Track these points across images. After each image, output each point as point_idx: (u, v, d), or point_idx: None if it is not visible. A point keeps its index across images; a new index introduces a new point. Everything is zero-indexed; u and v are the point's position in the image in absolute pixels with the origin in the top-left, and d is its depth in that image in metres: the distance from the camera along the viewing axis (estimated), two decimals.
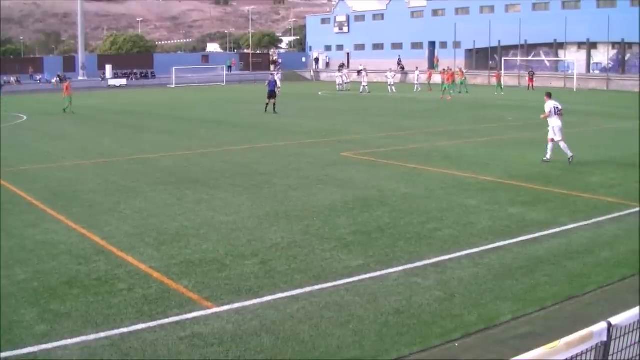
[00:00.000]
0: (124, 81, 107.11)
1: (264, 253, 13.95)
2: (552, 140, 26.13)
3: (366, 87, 75.43)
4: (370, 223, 16.55)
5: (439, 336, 9.96)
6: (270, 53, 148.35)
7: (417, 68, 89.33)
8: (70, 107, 52.10)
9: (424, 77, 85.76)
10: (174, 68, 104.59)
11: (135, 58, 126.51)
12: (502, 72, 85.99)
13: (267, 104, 49.73)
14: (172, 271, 12.80)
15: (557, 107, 26.28)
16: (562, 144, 25.87)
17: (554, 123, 26.11)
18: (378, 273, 12.65)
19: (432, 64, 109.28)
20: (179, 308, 10.95)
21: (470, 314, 10.75)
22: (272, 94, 49.95)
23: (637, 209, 18.11)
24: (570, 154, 25.58)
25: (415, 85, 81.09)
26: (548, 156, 26.13)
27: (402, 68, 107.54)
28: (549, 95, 27.19)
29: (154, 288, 11.90)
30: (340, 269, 12.87)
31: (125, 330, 10.11)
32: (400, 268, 12.94)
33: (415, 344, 9.68)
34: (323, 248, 14.32)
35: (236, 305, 11.07)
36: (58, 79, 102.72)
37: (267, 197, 19.76)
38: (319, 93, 74.99)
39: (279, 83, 73.16)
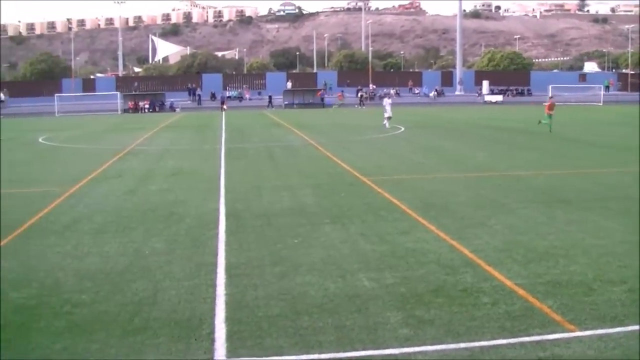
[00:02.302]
0: (500, 97, 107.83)
1: (634, 280, 13.42)
2: None
3: None
4: None
5: None
6: None
7: None
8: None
9: None
10: (550, 86, 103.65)
11: (511, 75, 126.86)
12: None
13: None
14: (538, 290, 12.77)
15: None
16: None
17: None
18: None
19: None
20: (541, 328, 10.90)
21: None
22: None
23: None
24: None
25: None
26: None
27: None
28: None
29: (517, 305, 11.97)
30: None
31: (485, 343, 10.28)
32: None
33: None
34: None
35: (600, 331, 10.80)
36: (435, 92, 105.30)
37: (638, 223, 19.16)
38: None
39: None
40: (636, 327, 10.97)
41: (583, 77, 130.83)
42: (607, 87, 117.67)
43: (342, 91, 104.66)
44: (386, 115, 56.65)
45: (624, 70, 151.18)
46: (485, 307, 11.80)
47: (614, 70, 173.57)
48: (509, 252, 15.58)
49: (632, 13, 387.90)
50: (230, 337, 10.59)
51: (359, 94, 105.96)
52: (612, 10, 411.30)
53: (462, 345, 10.20)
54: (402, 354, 9.93)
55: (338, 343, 10.30)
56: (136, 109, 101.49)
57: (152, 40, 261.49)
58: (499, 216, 19.66)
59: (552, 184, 25.89)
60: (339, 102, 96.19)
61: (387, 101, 58.52)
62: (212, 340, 10.46)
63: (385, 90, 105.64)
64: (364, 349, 10.05)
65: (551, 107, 50.94)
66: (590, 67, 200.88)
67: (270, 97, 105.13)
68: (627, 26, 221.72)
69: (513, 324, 11.06)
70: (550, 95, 60.71)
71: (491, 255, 15.27)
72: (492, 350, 10.07)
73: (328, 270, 14.12)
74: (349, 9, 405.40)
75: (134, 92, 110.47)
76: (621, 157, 34.90)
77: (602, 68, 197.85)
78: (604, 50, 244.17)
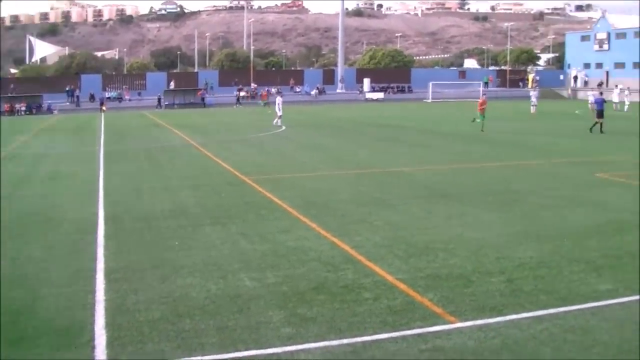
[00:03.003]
0: (381, 95, 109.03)
1: (511, 271, 13.81)
2: None
3: (619, 106, 73.42)
4: (622, 247, 15.95)
5: None
6: (528, 70, 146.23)
7: (628, 88, 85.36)
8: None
9: None
10: (430, 83, 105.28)
11: (392, 72, 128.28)
12: None
13: (595, 124, 47.60)
14: (419, 284, 12.94)
15: None
16: None
17: None
18: (626, 299, 12.17)
19: None
20: (422, 320, 11.05)
21: None
22: (600, 114, 47.53)
23: None
24: None
25: None
26: None
27: None
28: None
29: (399, 299, 12.09)
30: (587, 293, 12.53)
31: (367, 338, 10.33)
32: None
33: None
34: (571, 270, 13.98)
35: (479, 321, 11.02)
36: (317, 91, 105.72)
37: (517, 215, 19.55)
38: (576, 112, 73.20)
39: (535, 100, 72.37)
40: (515, 316, 11.26)
41: (463, 74, 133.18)
42: (486, 84, 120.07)
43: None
44: (279, 113, 56.46)
45: (502, 67, 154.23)
46: (367, 303, 11.87)
47: (493, 66, 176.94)
48: (390, 247, 15.74)
49: (512, 11, 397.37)
50: (110, 343, 10.35)
51: (236, 93, 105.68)
52: (492, 8, 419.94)
53: (345, 341, 10.23)
54: (285, 352, 9.89)
55: (220, 344, 10.19)
56: (12, 112, 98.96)
57: (29, 41, 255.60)
58: (380, 212, 19.85)
59: (433, 179, 26.32)
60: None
61: (279, 100, 58.35)
62: (93, 348, 10.20)
63: (267, 89, 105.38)
64: (246, 349, 9.97)
65: (482, 105, 50.58)
66: (470, 63, 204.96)
67: (159, 97, 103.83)
68: (506, 24, 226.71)
69: (395, 318, 11.16)
70: (482, 93, 60.82)
71: (372, 251, 15.39)
72: (374, 345, 10.12)
73: (209, 271, 13.99)
74: (231, 8, 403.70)
75: (10, 95, 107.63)
76: (502, 152, 35.67)
77: (482, 65, 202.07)
78: (484, 47, 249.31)
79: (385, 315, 11.27)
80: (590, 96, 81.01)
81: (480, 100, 52.38)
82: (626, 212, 20.03)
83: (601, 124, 47.16)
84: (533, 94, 76.40)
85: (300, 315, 11.32)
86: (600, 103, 48.37)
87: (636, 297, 12.25)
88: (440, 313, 11.41)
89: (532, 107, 71.01)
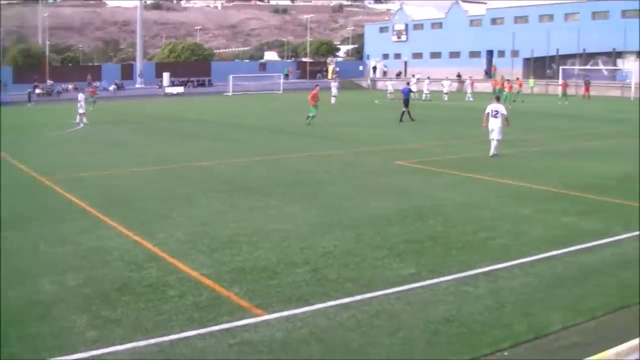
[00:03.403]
0: (181, 89, 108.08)
1: (316, 261, 13.94)
2: (492, 139, 29.98)
3: (417, 95, 75.86)
4: (423, 232, 16.47)
5: (489, 345, 9.87)
6: (328, 61, 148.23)
7: (469, 77, 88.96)
8: None
9: (482, 86, 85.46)
10: (231, 76, 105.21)
11: (192, 66, 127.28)
12: (562, 80, 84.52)
13: (404, 113, 49.74)
14: (224, 278, 12.84)
15: (494, 111, 30.01)
16: (495, 143, 29.89)
17: (493, 124, 29.95)
18: (429, 282, 12.56)
19: (490, 73, 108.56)
20: (230, 315, 10.96)
21: (520, 324, 10.65)
22: (406, 103, 50.05)
23: None
24: (493, 152, 29.86)
25: (467, 95, 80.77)
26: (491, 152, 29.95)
27: (459, 76, 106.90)
28: (497, 99, 32.28)
29: (205, 295, 11.95)
30: (391, 278, 12.82)
31: (174, 337, 10.13)
32: (452, 277, 12.83)
33: (464, 353, 9.60)
34: (375, 256, 14.26)
35: (286, 313, 11.04)
36: (115, 86, 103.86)
37: (320, 206, 19.77)
38: (375, 101, 74.91)
39: (335, 91, 73.50)
40: (321, 305, 11.37)
41: (263, 67, 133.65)
42: (286, 76, 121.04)
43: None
44: (81, 111, 54.78)
45: (303, 59, 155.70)
46: (173, 301, 11.65)
47: (293, 58, 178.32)
48: (193, 243, 15.54)
49: (311, 4, 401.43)
50: None
51: (28, 90, 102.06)
52: (292, 0, 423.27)
53: (152, 341, 9.99)
54: (91, 357, 9.55)
55: (22, 353, 9.74)
56: None
57: None
58: (182, 208, 19.57)
59: (235, 173, 26.27)
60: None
61: (81, 96, 56.66)
62: None
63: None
64: (51, 357, 9.57)
65: (315, 97, 49.16)
66: (270, 56, 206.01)
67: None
68: (306, 16, 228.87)
69: (201, 314, 11.00)
70: (315, 84, 60.13)
71: (175, 247, 15.14)
72: (182, 343, 9.95)
73: (8, 277, 13.33)
74: (25, 1, 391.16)
75: None
76: (304, 143, 36.02)
77: (282, 57, 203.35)
78: (284, 39, 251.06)
79: (191, 312, 11.09)
80: (390, 86, 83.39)
81: (312, 94, 50.19)
82: (426, 198, 20.68)
83: (408, 112, 49.33)
84: (334, 85, 77.56)
85: (104, 318, 10.95)
86: (407, 92, 50.66)
87: (438, 280, 12.60)
88: (247, 307, 11.34)
89: (332, 98, 71.97)
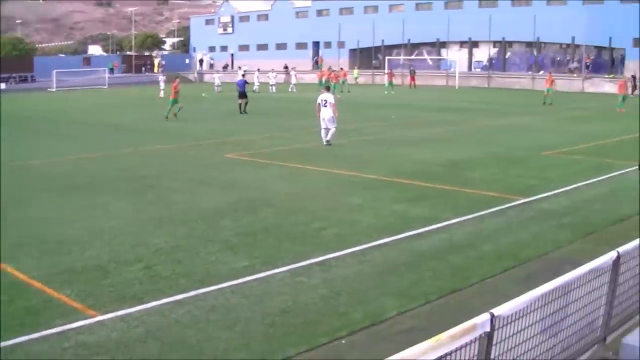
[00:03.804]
0: (2, 85, 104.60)
1: (148, 258, 13.76)
2: (326, 128, 30.96)
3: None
4: (255, 224, 16.52)
5: (326, 334, 10.00)
6: (154, 55, 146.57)
7: (293, 68, 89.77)
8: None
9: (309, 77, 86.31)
10: (54, 71, 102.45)
11: (14, 61, 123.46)
12: (388, 70, 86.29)
13: (240, 105, 50.11)
14: (54, 280, 12.45)
15: (324, 100, 30.96)
16: (331, 131, 30.81)
17: (324, 114, 30.87)
18: (263, 274, 12.63)
19: (316, 64, 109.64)
20: (62, 318, 10.65)
21: (356, 311, 10.82)
22: (242, 95, 50.39)
23: (516, 202, 18.59)
24: (327, 139, 30.80)
25: (290, 86, 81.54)
26: (325, 138, 30.99)
27: (286, 68, 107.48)
28: (327, 89, 33.54)
29: (35, 299, 11.57)
30: (225, 272, 12.80)
31: (6, 343, 9.75)
32: (286, 268, 12.95)
33: (302, 344, 9.71)
34: (208, 251, 14.22)
35: (121, 312, 10.86)
36: None
37: (150, 201, 19.51)
38: (203, 94, 74.49)
39: (163, 85, 72.68)
40: (156, 303, 11.24)
41: (87, 61, 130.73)
42: (111, 70, 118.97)
43: None
44: None
45: (128, 53, 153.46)
46: (2, 306, 11.21)
47: (118, 52, 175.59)
48: (21, 245, 14.97)
49: None
50: None
51: None
52: None
53: None
54: None
55: None
56: None
57: None
58: (8, 210, 18.69)
59: (61, 171, 25.48)
60: None
61: None
62: None
63: None
64: None
65: (175, 88, 47.20)
66: (95, 50, 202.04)
67: None
68: (130, 9, 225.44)
69: (33, 319, 10.65)
70: (175, 76, 58.23)
71: (2, 250, 14.56)
72: (15, 349, 9.62)
73: None
74: None
75: None
76: (132, 138, 35.38)
77: (107, 51, 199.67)
78: (109, 33, 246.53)
79: (22, 317, 10.72)
80: (217, 79, 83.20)
81: (173, 85, 48.30)
82: (257, 190, 20.75)
83: (246, 103, 49.86)
84: (162, 78, 76.80)
85: None
86: (242, 85, 50.84)
87: (272, 272, 12.62)
88: (80, 308, 11.09)
89: (160, 92, 71.09)
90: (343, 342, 9.86)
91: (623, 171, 23.99)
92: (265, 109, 52.77)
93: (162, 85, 73.23)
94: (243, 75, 56.50)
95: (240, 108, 49.85)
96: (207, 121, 44.74)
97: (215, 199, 19.54)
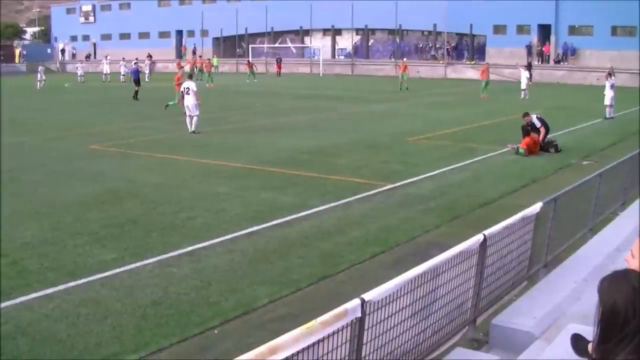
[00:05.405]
0: None
1: (14, 253, 13.46)
2: (190, 115, 31.56)
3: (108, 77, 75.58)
4: (122, 215, 16.38)
5: (198, 325, 10.06)
6: (15, 45, 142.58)
7: (147, 57, 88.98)
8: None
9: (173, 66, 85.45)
10: None
11: None
12: (251, 59, 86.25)
13: (136, 92, 51.12)
14: None
15: (186, 88, 31.74)
16: (195, 119, 31.41)
17: (187, 101, 31.55)
18: (133, 265, 12.58)
19: (180, 53, 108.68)
20: None
21: (228, 300, 10.90)
22: (137, 82, 52.01)
23: (383, 188, 18.92)
24: (192, 129, 31.27)
25: (145, 75, 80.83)
26: (191, 129, 31.48)
27: (150, 57, 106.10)
28: (190, 77, 34.56)
29: None
30: (94, 264, 12.68)
31: None
32: (155, 259, 12.94)
33: (174, 335, 9.74)
34: (75, 244, 14.03)
35: None
36: None
37: (14, 194, 19.00)
38: (66, 85, 72.88)
39: (40, 76, 70.58)
40: (24, 298, 11.03)
41: None
42: None
43: None
44: None
45: None
46: None
47: None
48: None
49: None
50: None
51: None
52: None
53: None
54: None
55: None
56: None
57: None
58: None
59: None
60: None
61: None
62: None
63: None
64: None
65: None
66: None
67: None
68: None
69: None
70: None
71: None
72: None
73: None
74: None
75: None
76: None
77: None
78: None
79: None
80: (80, 69, 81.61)
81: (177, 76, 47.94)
82: (122, 181, 20.55)
83: (137, 91, 50.97)
84: (41, 69, 74.66)
85: None
86: (135, 72, 53.61)
87: (142, 263, 12.56)
88: None
89: (38, 83, 68.96)
90: (215, 331, 9.93)
91: (487, 155, 24.73)
92: (129, 99, 51.90)
93: (39, 76, 70.30)
94: (135, 64, 56.83)
95: (136, 94, 50.81)
96: (71, 112, 43.76)
97: (81, 191, 19.21)
